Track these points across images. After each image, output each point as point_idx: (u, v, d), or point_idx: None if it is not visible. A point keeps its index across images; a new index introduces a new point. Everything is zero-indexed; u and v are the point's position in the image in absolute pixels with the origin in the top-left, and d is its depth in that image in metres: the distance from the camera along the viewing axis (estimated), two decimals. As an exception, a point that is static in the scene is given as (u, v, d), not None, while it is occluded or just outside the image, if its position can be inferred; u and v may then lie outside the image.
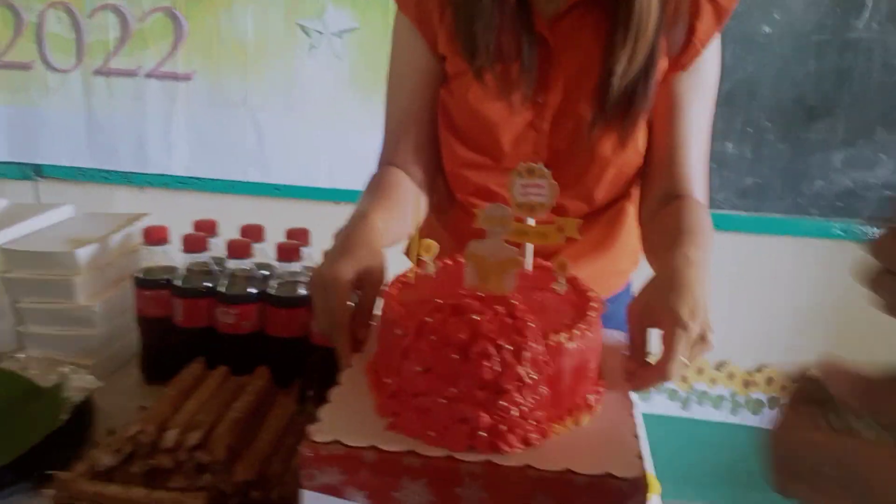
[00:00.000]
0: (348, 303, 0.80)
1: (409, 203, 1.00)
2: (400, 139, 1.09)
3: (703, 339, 0.74)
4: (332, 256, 0.81)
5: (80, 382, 0.91)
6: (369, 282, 0.81)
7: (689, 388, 2.32)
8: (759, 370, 2.30)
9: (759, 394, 2.31)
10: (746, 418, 2.33)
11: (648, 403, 2.35)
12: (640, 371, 0.75)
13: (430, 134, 1.08)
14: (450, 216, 1.16)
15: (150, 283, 1.00)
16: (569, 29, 0.98)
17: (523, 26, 0.97)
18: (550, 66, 0.99)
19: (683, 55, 0.98)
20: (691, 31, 0.97)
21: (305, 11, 2.09)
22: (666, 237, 0.90)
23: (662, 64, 0.98)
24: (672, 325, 0.73)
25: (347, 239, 0.85)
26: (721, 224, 2.14)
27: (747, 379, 2.30)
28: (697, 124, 1.02)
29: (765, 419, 2.30)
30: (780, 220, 2.12)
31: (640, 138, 1.02)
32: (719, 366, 2.31)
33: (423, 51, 1.05)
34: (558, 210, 1.05)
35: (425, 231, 1.14)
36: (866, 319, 2.25)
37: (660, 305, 0.75)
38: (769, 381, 2.30)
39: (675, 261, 0.80)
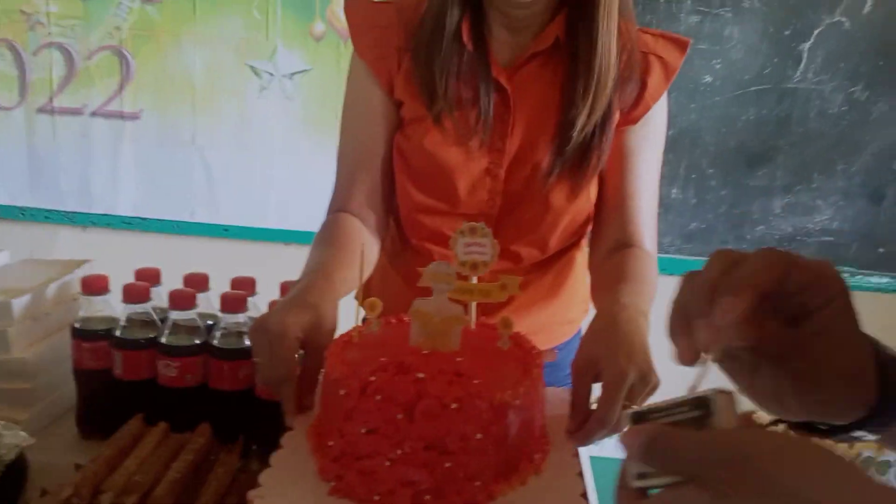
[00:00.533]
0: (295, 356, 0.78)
1: (365, 252, 0.99)
2: (354, 183, 1.08)
3: (644, 380, 0.74)
4: (282, 307, 0.80)
5: (12, 439, 0.87)
6: (316, 341, 0.79)
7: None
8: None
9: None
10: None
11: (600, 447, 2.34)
12: (583, 425, 0.75)
13: (384, 178, 1.08)
14: (402, 259, 1.15)
15: (89, 334, 0.97)
16: (527, 78, 1.00)
17: (481, 74, 0.98)
18: (508, 113, 1.00)
19: (635, 110, 1.02)
20: (643, 87, 1.01)
21: (256, 53, 2.10)
22: (606, 285, 0.93)
23: (615, 118, 1.01)
24: (610, 372, 0.73)
25: (302, 292, 0.84)
26: (667, 268, 2.17)
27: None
28: (647, 175, 1.05)
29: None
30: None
31: (591, 188, 1.04)
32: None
33: (379, 95, 1.05)
34: (512, 258, 1.06)
35: (377, 274, 1.13)
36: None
37: (597, 355, 0.76)
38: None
39: (612, 308, 0.82)
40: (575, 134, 0.97)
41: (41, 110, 2.17)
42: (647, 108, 1.02)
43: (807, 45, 1.99)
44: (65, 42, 2.13)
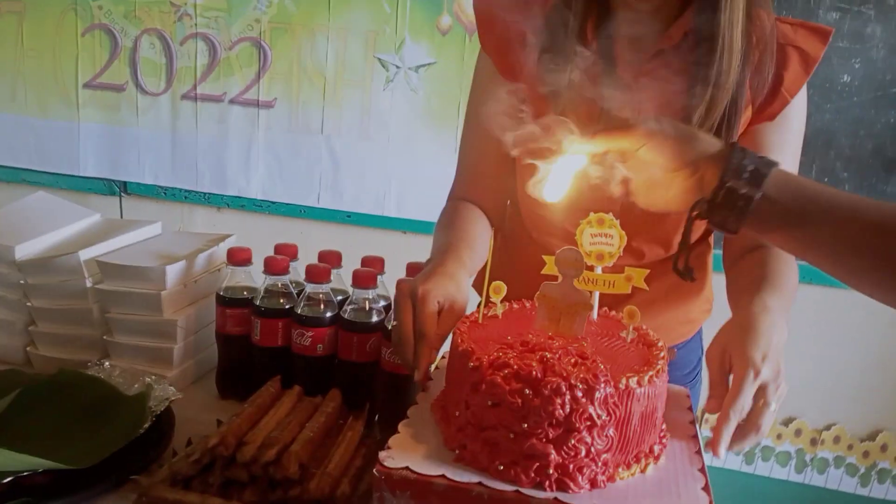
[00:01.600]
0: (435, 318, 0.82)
1: (486, 238, 1.03)
2: (474, 173, 1.11)
3: (776, 381, 0.75)
4: (424, 276, 0.86)
5: (161, 392, 0.95)
6: (450, 313, 0.84)
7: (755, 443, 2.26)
8: (827, 428, 2.23)
9: (826, 452, 2.23)
10: (812, 478, 2.25)
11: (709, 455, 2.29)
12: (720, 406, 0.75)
13: (504, 172, 1.10)
14: (521, 252, 1.17)
15: (232, 302, 1.05)
16: (653, 75, 0.98)
17: (605, 72, 0.98)
18: (632, 112, 0.98)
19: (771, 105, 0.97)
20: (778, 80, 0.96)
21: (384, 46, 2.16)
22: (747, 283, 0.91)
23: (746, 114, 0.98)
24: (743, 367, 0.74)
25: (438, 267, 0.89)
26: (804, 276, 2.08)
27: (815, 437, 2.23)
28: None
29: (830, 480, 2.22)
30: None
31: None
32: (787, 422, 2.24)
33: (500, 88, 1.04)
34: (636, 254, 1.05)
35: (494, 266, 1.15)
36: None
37: (733, 349, 0.76)
38: (837, 440, 2.22)
39: (752, 307, 0.82)
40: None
41: (185, 97, 2.32)
42: (785, 103, 0.97)
43: (956, 45, 1.87)
44: (209, 33, 2.27)
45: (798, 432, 2.23)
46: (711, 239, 1.11)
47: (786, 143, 1.00)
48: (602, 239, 0.80)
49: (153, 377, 0.99)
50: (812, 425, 2.23)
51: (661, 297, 1.10)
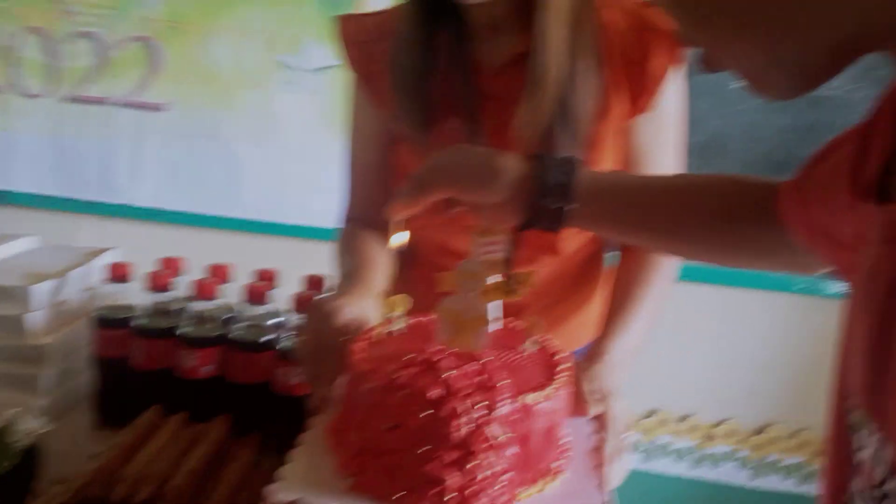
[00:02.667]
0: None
1: (387, 259, 1.00)
2: (364, 195, 1.10)
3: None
4: (334, 297, 0.85)
5: (28, 425, 0.87)
6: (359, 331, 0.80)
7: (652, 441, 2.31)
8: (720, 423, 2.29)
9: (719, 447, 2.30)
10: (706, 472, 2.31)
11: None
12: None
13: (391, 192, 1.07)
14: (412, 272, 1.13)
15: (109, 322, 0.97)
16: (509, 81, 0.96)
17: (462, 81, 0.96)
18: (497, 119, 0.96)
19: (641, 96, 0.95)
20: (644, 69, 0.94)
21: (284, 47, 2.09)
22: (614, 304, 1.00)
23: (622, 107, 0.96)
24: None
25: (347, 289, 0.88)
26: (686, 275, 2.15)
27: (709, 432, 2.30)
28: (665, 167, 1.00)
29: (724, 474, 2.30)
30: (743, 272, 2.14)
31: None
32: (682, 418, 2.30)
33: (373, 113, 1.05)
34: (525, 263, 1.03)
35: (397, 283, 1.11)
36: (824, 374, 2.27)
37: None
38: (729, 434, 2.30)
39: (598, 350, 0.93)
40: (525, 134, 0.92)
41: (69, 99, 2.18)
42: (655, 91, 0.95)
43: (840, 53, 1.95)
44: (95, 31, 2.13)
45: (693, 428, 2.30)
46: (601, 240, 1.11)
47: (663, 136, 0.99)
48: (492, 247, 0.77)
49: (17, 409, 0.90)
50: (706, 421, 2.29)
51: (557, 303, 1.09)
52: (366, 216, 1.07)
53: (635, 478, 2.28)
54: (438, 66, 0.97)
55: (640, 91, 0.95)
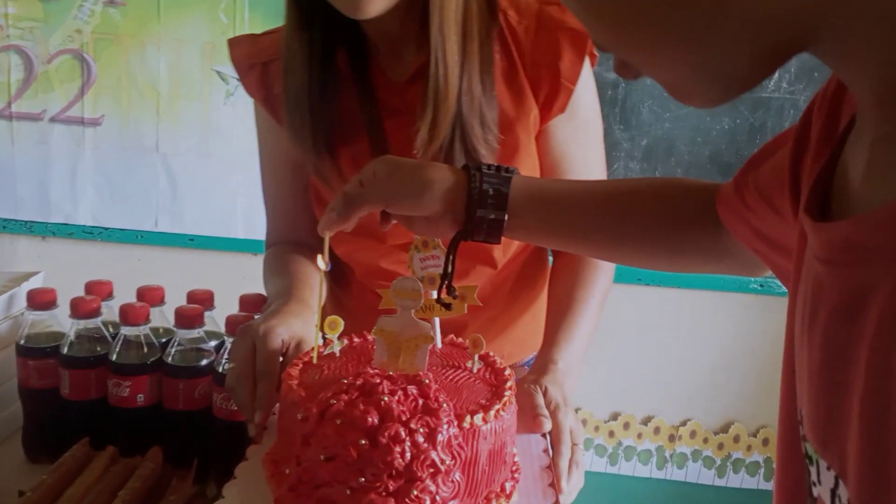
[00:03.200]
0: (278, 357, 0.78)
1: (317, 280, 0.96)
2: (283, 221, 1.07)
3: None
4: (266, 316, 0.81)
5: (-51, 464, 0.82)
6: (297, 350, 0.79)
7: (617, 444, 2.31)
8: (683, 424, 2.31)
9: (683, 447, 2.32)
10: (672, 473, 2.32)
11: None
12: None
13: (311, 212, 1.03)
14: (345, 296, 1.10)
15: (35, 352, 0.92)
16: (416, 95, 0.92)
17: (367, 98, 0.93)
18: (405, 136, 0.92)
19: (556, 99, 0.93)
20: (555, 71, 0.91)
21: (222, 58, 2.02)
22: (548, 317, 0.98)
23: (533, 115, 0.93)
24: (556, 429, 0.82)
25: (281, 307, 0.84)
26: (644, 278, 2.18)
27: (673, 433, 2.31)
28: (589, 166, 0.99)
29: (690, 473, 2.32)
30: (699, 275, 2.16)
31: None
32: (646, 420, 2.31)
33: (280, 136, 0.98)
34: (461, 276, 1.01)
35: (328, 303, 1.08)
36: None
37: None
38: (693, 434, 2.31)
39: (544, 366, 0.90)
40: (418, 153, 0.89)
41: (-1, 115, 2.10)
42: (569, 93, 0.92)
43: (781, 55, 1.98)
44: (23, 45, 2.05)
45: (657, 430, 2.30)
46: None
47: (582, 134, 0.97)
48: (431, 262, 0.75)
49: (-60, 446, 0.85)
50: (669, 422, 2.30)
51: (502, 312, 1.06)
52: (288, 240, 1.04)
53: (602, 480, 2.29)
54: (339, 84, 0.93)
55: (553, 93, 0.92)
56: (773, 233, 0.58)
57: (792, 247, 0.47)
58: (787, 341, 0.46)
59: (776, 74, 2.00)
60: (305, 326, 0.83)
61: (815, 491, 0.41)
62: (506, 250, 1.00)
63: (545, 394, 0.82)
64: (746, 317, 2.20)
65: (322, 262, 0.71)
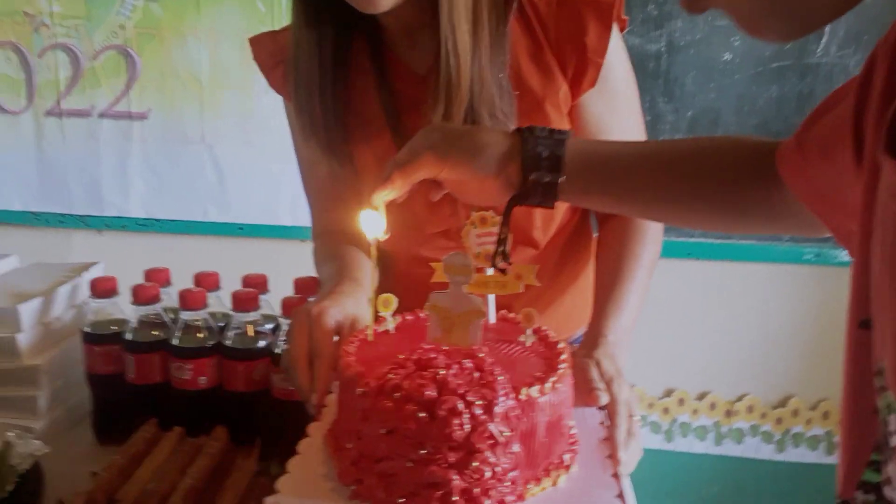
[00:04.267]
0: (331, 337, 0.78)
1: (367, 263, 0.97)
2: (328, 210, 1.07)
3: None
4: (320, 297, 0.82)
5: (25, 448, 0.85)
6: (353, 329, 0.79)
7: (672, 420, 2.29)
8: (739, 399, 2.28)
9: (741, 423, 2.29)
10: (730, 448, 2.30)
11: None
12: None
13: (353, 194, 1.03)
14: (399, 266, 1.10)
15: (99, 338, 0.96)
16: (420, 90, 0.91)
17: (384, 91, 0.93)
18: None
19: (585, 75, 0.91)
20: (582, 46, 0.89)
21: (263, 46, 2.06)
22: (598, 287, 0.96)
23: (564, 91, 0.92)
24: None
25: (334, 288, 0.85)
26: (694, 252, 2.15)
27: (729, 408, 2.28)
28: (626, 137, 0.97)
29: (748, 449, 2.29)
30: (752, 246, 2.12)
31: None
32: (701, 396, 2.29)
33: None
34: (511, 254, 1.00)
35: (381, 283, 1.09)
36: (841, 342, 2.25)
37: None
38: (750, 409, 2.28)
39: (595, 339, 0.89)
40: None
41: (49, 113, 2.14)
42: (598, 68, 0.90)
43: (828, 18, 1.93)
44: (69, 42, 2.09)
45: (712, 406, 2.28)
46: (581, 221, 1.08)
47: (617, 104, 0.96)
48: (488, 238, 0.75)
49: (16, 431, 0.88)
50: (725, 398, 2.28)
51: (547, 288, 1.06)
52: (335, 230, 1.04)
53: (658, 457, 2.28)
54: (355, 78, 0.93)
55: (582, 68, 0.91)
56: (834, 190, 0.56)
57: (853, 205, 0.46)
58: (854, 295, 0.45)
59: (825, 38, 1.94)
60: (358, 305, 0.83)
61: (892, 441, 0.40)
62: (546, 230, 1.00)
63: (599, 367, 0.82)
64: (802, 288, 2.15)
65: (378, 233, 0.72)
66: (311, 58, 0.90)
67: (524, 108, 0.91)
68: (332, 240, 1.02)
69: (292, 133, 1.06)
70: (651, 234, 0.98)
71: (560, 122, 0.93)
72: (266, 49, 1.01)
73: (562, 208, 1.00)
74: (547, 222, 0.99)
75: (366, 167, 0.96)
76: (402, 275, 1.06)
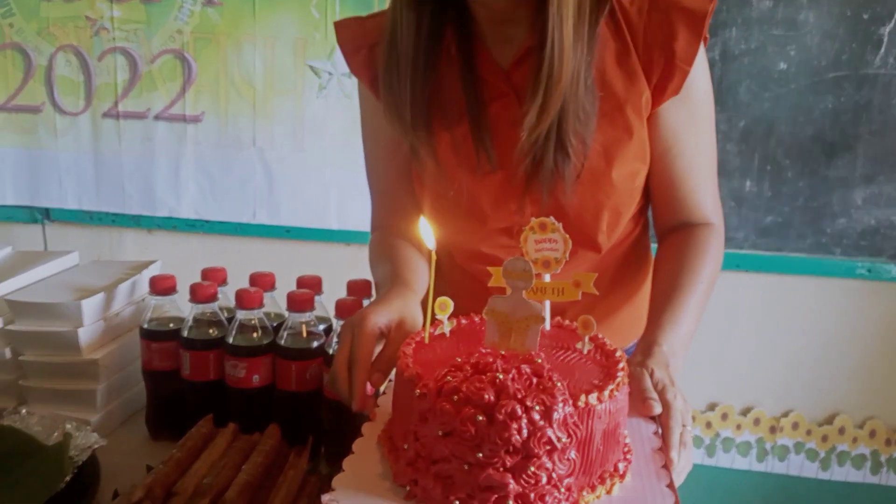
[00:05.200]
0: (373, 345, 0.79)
1: (423, 260, 0.98)
2: (390, 201, 1.07)
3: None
4: (367, 307, 0.82)
5: (84, 440, 0.87)
6: (400, 330, 0.80)
7: (715, 435, 2.26)
8: (784, 415, 2.23)
9: (785, 439, 2.24)
10: (773, 465, 2.25)
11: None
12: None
13: (413, 195, 1.04)
14: (447, 273, 1.10)
15: (157, 335, 0.98)
16: (521, 78, 0.92)
17: (467, 82, 0.93)
18: (514, 114, 0.92)
19: (670, 81, 0.91)
20: (670, 52, 0.90)
21: (315, 52, 2.09)
22: (655, 295, 0.96)
23: (645, 95, 0.92)
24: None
25: (384, 296, 0.85)
26: (742, 264, 2.12)
27: (773, 424, 2.24)
28: (700, 152, 0.97)
29: (791, 466, 2.24)
30: (802, 259, 2.08)
31: (619, 177, 0.95)
32: (745, 411, 2.24)
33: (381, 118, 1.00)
34: (569, 260, 1.00)
35: (437, 283, 1.09)
36: (891, 360, 2.21)
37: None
38: (795, 426, 2.23)
39: (649, 347, 0.87)
40: (524, 136, 0.88)
41: (106, 115, 2.20)
42: (684, 75, 0.90)
43: (887, 29, 1.88)
44: (128, 47, 2.15)
45: (756, 421, 2.23)
46: (649, 224, 1.08)
47: (695, 117, 0.95)
48: (547, 245, 0.75)
49: (73, 423, 0.90)
50: (770, 413, 2.23)
51: (603, 299, 1.05)
52: (391, 224, 1.05)
53: (700, 473, 2.24)
54: (442, 64, 0.94)
55: (667, 75, 0.91)
56: None
57: None
58: None
59: (882, 49, 1.90)
60: (407, 306, 0.83)
61: None
62: (610, 234, 0.99)
63: (651, 375, 0.81)
64: (852, 303, 2.11)
65: (429, 235, 0.73)
66: (408, 37, 0.91)
67: (605, 110, 0.91)
68: (386, 237, 1.03)
69: (364, 118, 1.07)
70: (712, 252, 0.97)
71: (639, 128, 0.93)
72: (350, 32, 1.03)
73: (629, 210, 1.00)
74: (612, 226, 0.98)
75: (442, 152, 0.96)
76: (458, 277, 1.06)
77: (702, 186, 0.99)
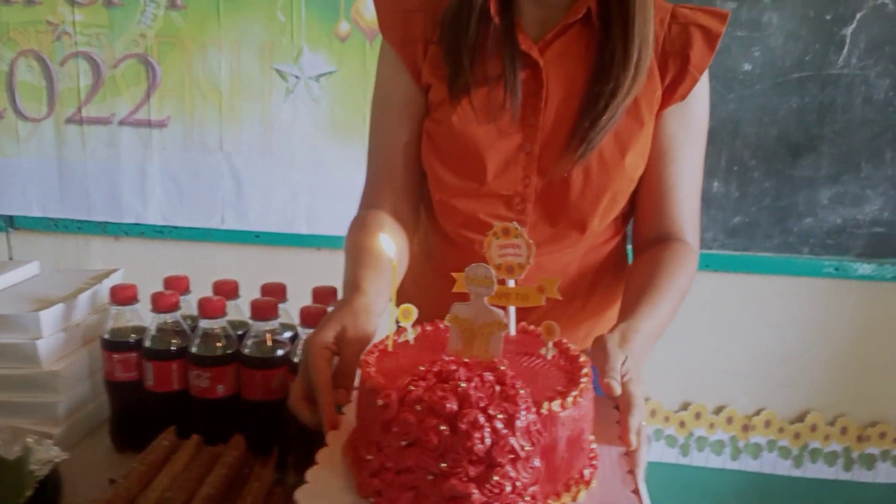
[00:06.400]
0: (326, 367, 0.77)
1: (394, 252, 0.96)
2: (384, 177, 1.06)
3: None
4: (319, 324, 0.81)
5: (45, 454, 0.85)
6: (345, 340, 0.79)
7: (688, 434, 2.27)
8: (757, 413, 2.25)
9: (758, 437, 2.26)
10: (747, 464, 2.28)
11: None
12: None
13: (415, 170, 1.05)
14: (439, 254, 1.11)
15: (119, 345, 0.96)
16: (559, 51, 0.97)
17: (507, 48, 0.96)
18: (540, 88, 0.96)
19: (681, 84, 0.97)
20: (685, 59, 0.96)
21: (281, 56, 2.07)
22: (633, 289, 0.96)
23: (656, 95, 0.97)
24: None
25: (334, 310, 0.84)
26: (711, 264, 2.13)
27: (746, 423, 2.26)
28: (689, 165, 1.01)
29: (765, 464, 2.26)
30: (770, 258, 2.10)
31: (631, 164, 0.98)
32: (717, 410, 2.26)
33: (406, 82, 1.03)
34: (554, 238, 1.01)
35: (409, 276, 1.08)
36: (860, 357, 2.24)
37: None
38: (767, 424, 2.25)
39: (626, 332, 0.86)
40: (615, 104, 0.93)
41: (70, 120, 2.17)
42: (694, 82, 0.97)
43: (849, 30, 1.91)
44: (91, 51, 2.12)
45: (729, 420, 2.26)
46: (625, 232, 1.09)
47: (690, 131, 1.00)
48: (511, 250, 0.75)
49: (35, 437, 0.88)
50: (742, 412, 2.25)
51: (575, 306, 1.06)
52: (378, 203, 1.05)
53: (673, 472, 2.26)
54: (488, 31, 0.97)
55: (679, 78, 0.97)
56: None
57: None
58: None
59: (845, 49, 1.93)
60: (351, 312, 0.82)
61: None
62: (603, 219, 1.01)
63: (624, 363, 0.79)
64: (821, 302, 2.14)
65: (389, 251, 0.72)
66: (466, 7, 0.96)
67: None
68: (365, 224, 1.02)
69: (379, 78, 1.08)
70: (688, 266, 0.99)
71: (649, 123, 0.97)
72: (392, 9, 1.04)
73: (625, 199, 1.02)
74: (608, 210, 1.01)
75: (475, 101, 0.98)
76: (453, 238, 1.07)
77: (686, 202, 1.02)
